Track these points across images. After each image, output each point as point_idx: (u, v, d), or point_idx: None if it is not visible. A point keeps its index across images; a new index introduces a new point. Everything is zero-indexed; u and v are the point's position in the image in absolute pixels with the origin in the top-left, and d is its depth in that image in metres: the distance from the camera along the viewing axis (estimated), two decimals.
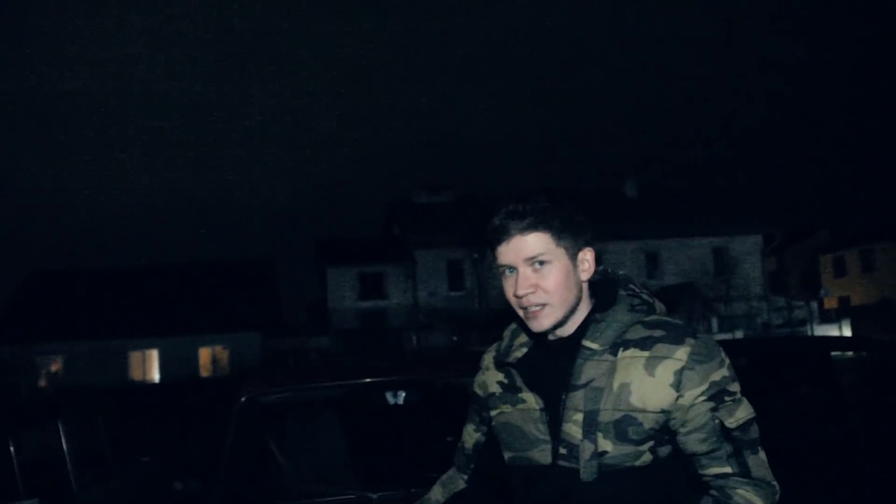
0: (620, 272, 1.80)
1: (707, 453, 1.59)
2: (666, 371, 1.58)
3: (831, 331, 30.65)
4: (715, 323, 32.02)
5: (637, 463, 1.59)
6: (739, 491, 1.58)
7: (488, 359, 1.95)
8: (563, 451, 1.65)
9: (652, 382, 1.58)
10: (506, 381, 1.83)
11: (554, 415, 1.67)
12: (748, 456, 1.59)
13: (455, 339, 33.11)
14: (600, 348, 1.64)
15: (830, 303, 39.80)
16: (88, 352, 32.15)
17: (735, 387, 1.60)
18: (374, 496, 3.02)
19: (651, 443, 1.59)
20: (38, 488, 4.14)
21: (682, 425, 1.59)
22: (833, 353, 5.26)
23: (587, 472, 1.60)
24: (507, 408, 1.79)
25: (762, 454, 1.61)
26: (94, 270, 37.63)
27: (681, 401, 1.57)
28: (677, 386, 1.57)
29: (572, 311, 1.69)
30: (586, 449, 1.61)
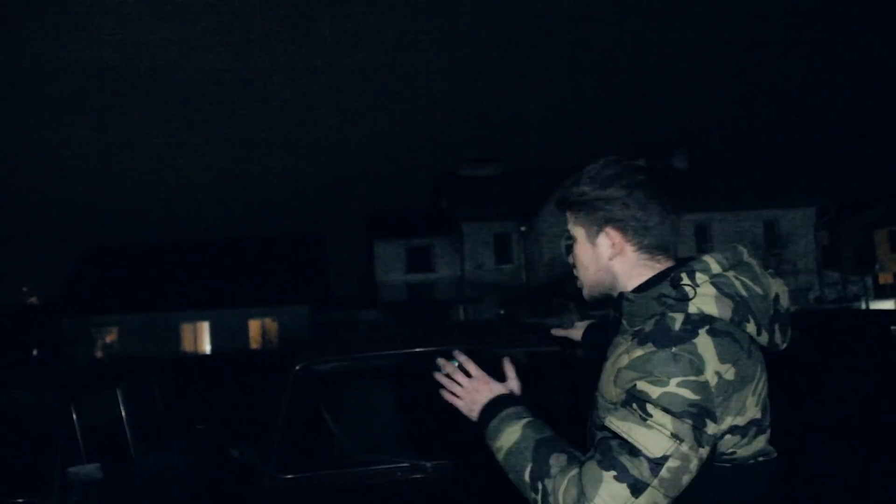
0: (704, 256, 1.58)
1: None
2: (616, 365, 1.51)
3: (886, 306, 30.00)
4: None
5: None
6: (574, 468, 1.44)
7: None
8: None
9: (609, 373, 1.54)
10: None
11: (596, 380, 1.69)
12: (594, 459, 1.41)
13: (502, 311, 33.09)
14: (628, 328, 1.58)
15: (886, 278, 38.88)
16: (142, 324, 32.85)
17: (654, 411, 1.39)
18: (428, 464, 3.04)
19: None
20: (98, 454, 4.25)
21: None
22: (893, 328, 5.14)
23: (588, 439, 1.63)
24: None
25: (608, 480, 1.37)
26: (148, 246, 38.32)
27: (615, 391, 1.48)
28: (616, 382, 1.48)
29: (609, 290, 1.68)
30: (589, 420, 1.65)
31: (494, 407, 1.66)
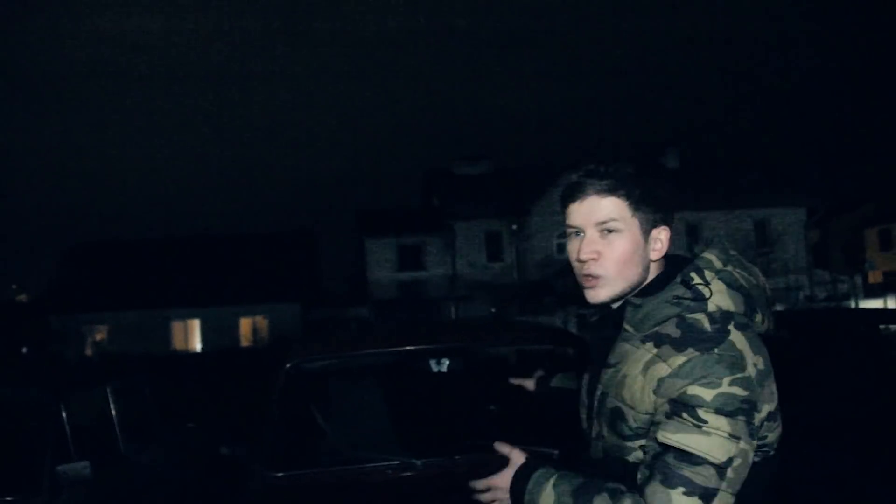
0: (705, 254, 1.61)
1: (646, 453, 1.48)
2: (654, 375, 1.46)
3: (876, 305, 30.13)
4: None
5: (629, 458, 1.51)
6: (625, 499, 1.43)
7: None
8: (589, 421, 1.67)
9: (641, 383, 1.49)
10: (588, 338, 1.84)
11: (593, 384, 1.68)
12: (655, 480, 1.39)
13: (493, 310, 33.12)
14: (635, 333, 1.56)
15: (875, 276, 39.05)
16: (132, 321, 32.74)
17: (708, 416, 1.38)
18: (419, 462, 3.04)
19: (641, 441, 1.49)
20: (88, 452, 4.24)
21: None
22: (881, 327, 5.17)
23: (594, 450, 1.61)
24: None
25: (677, 498, 1.36)
26: (138, 242, 38.18)
27: (656, 402, 1.45)
28: (657, 391, 1.45)
29: (634, 287, 1.60)
30: (594, 428, 1.61)
31: (518, 484, 1.61)
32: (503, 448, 1.69)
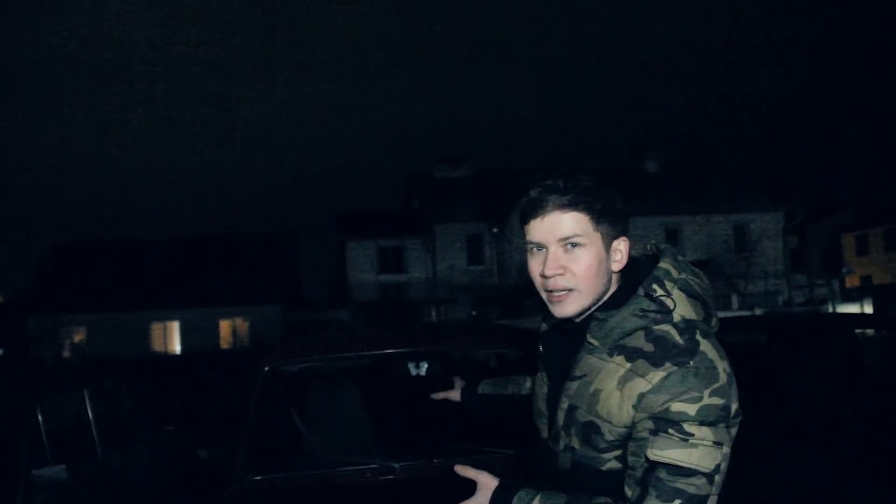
0: (662, 263, 1.62)
1: (629, 468, 1.49)
2: (633, 391, 1.47)
3: (853, 309, 30.37)
4: (735, 300, 31.84)
5: (603, 468, 1.54)
6: None
7: (539, 324, 1.93)
8: (552, 432, 1.66)
9: (618, 398, 1.49)
10: (540, 348, 1.84)
11: (554, 397, 1.68)
12: (651, 497, 1.42)
13: (474, 313, 33.16)
14: (600, 346, 1.58)
15: (852, 281, 39.46)
16: (111, 323, 32.54)
17: (694, 428, 1.42)
18: (397, 465, 3.04)
19: (617, 452, 1.52)
20: (64, 455, 4.20)
21: (630, 434, 1.50)
22: (857, 331, 5.22)
23: (562, 461, 1.61)
24: (538, 374, 1.83)
25: None
26: (117, 244, 37.94)
27: (636, 417, 1.47)
28: (637, 406, 1.46)
29: (599, 299, 1.61)
30: (562, 440, 1.61)
31: None
32: (468, 472, 1.67)
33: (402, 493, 2.95)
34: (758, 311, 28.14)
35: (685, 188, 37.52)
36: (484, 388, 2.43)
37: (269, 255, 36.61)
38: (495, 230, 34.81)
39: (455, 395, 2.54)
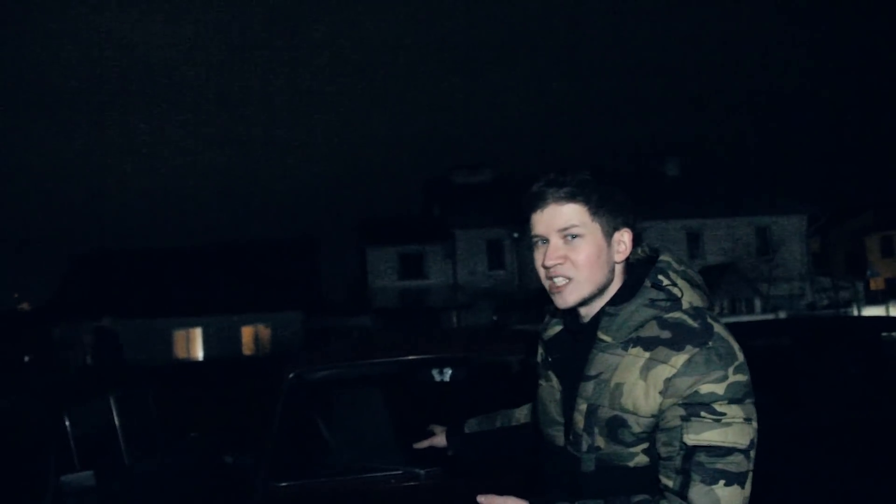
0: (662, 257, 1.68)
1: (663, 459, 1.49)
2: (657, 378, 1.50)
3: (877, 312, 30.07)
4: (758, 303, 31.63)
5: (631, 464, 1.54)
6: None
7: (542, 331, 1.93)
8: (571, 437, 1.65)
9: (643, 387, 1.51)
10: (544, 355, 1.85)
11: (569, 400, 1.67)
12: (695, 482, 1.43)
13: (495, 318, 33.12)
14: (613, 342, 1.60)
15: (877, 283, 39.04)
16: (134, 330, 32.74)
17: (725, 408, 1.44)
18: (422, 472, 3.05)
19: (645, 445, 1.53)
20: (92, 461, 4.24)
21: (658, 425, 1.51)
22: (883, 334, 5.17)
23: (586, 464, 1.60)
24: (542, 381, 1.83)
25: (721, 491, 1.42)
26: (140, 252, 38.27)
27: (663, 404, 1.49)
28: (665, 393, 1.48)
29: (601, 291, 1.64)
30: (584, 441, 1.60)
31: None
32: (493, 501, 1.55)
33: (426, 500, 2.96)
34: (781, 315, 27.93)
35: (706, 191, 37.33)
36: (471, 426, 2.36)
37: (291, 262, 36.74)
38: (515, 235, 34.78)
39: (439, 440, 2.44)
